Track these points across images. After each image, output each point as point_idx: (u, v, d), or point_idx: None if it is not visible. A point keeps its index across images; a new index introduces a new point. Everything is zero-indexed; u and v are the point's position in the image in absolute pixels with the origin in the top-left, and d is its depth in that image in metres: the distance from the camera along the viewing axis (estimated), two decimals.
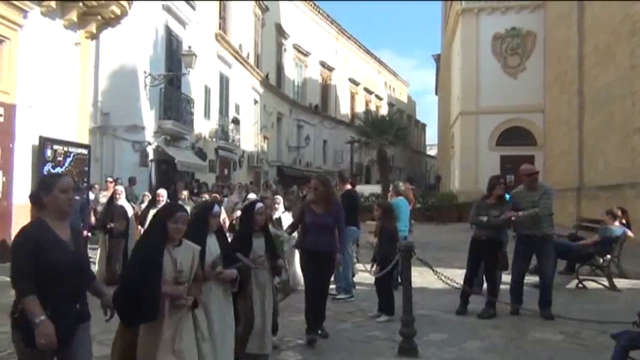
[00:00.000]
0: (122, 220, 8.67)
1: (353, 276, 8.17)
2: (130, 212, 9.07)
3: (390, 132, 23.61)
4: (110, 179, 11.98)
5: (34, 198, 3.02)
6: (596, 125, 18.41)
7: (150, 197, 10.29)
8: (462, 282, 6.58)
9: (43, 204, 2.92)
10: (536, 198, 6.63)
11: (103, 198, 10.76)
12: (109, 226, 8.59)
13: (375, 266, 6.71)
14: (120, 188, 9.42)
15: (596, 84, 18.62)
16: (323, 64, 37.87)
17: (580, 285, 8.50)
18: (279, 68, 32.21)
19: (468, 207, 23.11)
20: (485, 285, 7.13)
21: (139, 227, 8.95)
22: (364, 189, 27.29)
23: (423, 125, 65.26)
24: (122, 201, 9.04)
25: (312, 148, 35.46)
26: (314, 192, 5.72)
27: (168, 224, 3.35)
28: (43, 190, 2.94)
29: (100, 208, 10.23)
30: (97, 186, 12.60)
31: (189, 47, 17.13)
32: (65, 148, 11.07)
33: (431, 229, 20.33)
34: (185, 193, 11.70)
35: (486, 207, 6.69)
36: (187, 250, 3.45)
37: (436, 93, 50.38)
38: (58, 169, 10.80)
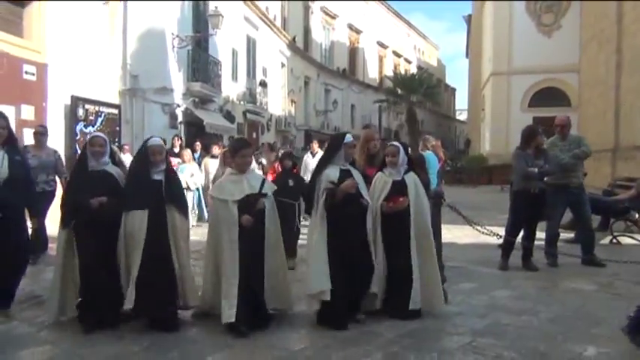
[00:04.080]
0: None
1: None
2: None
3: (419, 91, 23.24)
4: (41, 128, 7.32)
5: None
6: (635, 84, 17.74)
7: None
8: (496, 236, 6.52)
9: None
10: (573, 146, 6.67)
11: (33, 159, 6.40)
12: (95, 202, 4.28)
13: None
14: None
15: (636, 42, 17.85)
16: (351, 27, 37.22)
17: (614, 241, 8.34)
18: (307, 31, 31.78)
19: (498, 169, 22.91)
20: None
21: None
22: None
23: (453, 90, 64.04)
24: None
25: (339, 113, 35.16)
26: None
27: None
28: None
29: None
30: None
31: (216, 8, 17.02)
32: (96, 108, 11.26)
33: (460, 190, 20.14)
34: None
35: (530, 158, 6.43)
36: None
37: (467, 56, 49.22)
38: (90, 129, 11.00)
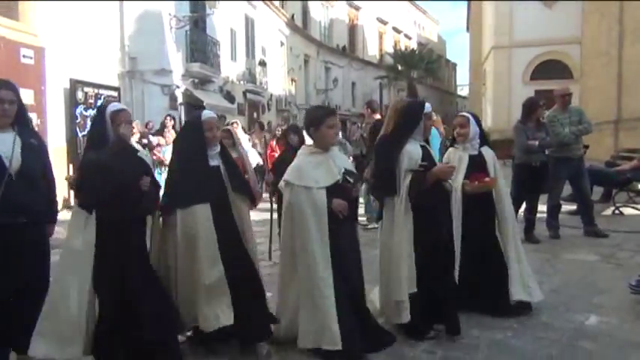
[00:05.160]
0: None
1: None
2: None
3: (419, 67, 23.11)
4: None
5: None
6: (637, 55, 17.61)
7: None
8: None
9: None
10: (573, 118, 6.62)
11: None
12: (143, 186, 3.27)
13: None
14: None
15: (638, 12, 17.70)
16: (350, 4, 36.83)
17: (616, 211, 8.36)
18: (305, 9, 31.46)
19: (500, 144, 22.73)
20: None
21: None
22: None
23: (454, 65, 63.55)
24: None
25: (340, 91, 34.95)
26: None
27: None
28: None
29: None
30: None
31: None
32: (96, 90, 11.22)
33: None
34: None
35: (531, 131, 6.38)
36: None
37: (467, 30, 48.76)
38: (90, 112, 10.97)
